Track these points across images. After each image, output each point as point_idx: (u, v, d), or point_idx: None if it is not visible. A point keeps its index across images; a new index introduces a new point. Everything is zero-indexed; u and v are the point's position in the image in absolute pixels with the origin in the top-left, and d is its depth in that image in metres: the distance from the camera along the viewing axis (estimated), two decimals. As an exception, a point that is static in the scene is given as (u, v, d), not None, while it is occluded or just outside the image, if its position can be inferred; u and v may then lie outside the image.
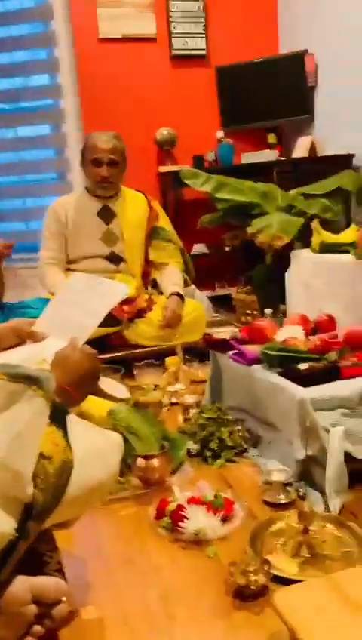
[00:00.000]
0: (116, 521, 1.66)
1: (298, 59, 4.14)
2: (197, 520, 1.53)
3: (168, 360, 2.80)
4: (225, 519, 1.57)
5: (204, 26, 4.35)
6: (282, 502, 1.68)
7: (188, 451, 1.98)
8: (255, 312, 3.42)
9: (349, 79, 3.77)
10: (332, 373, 1.77)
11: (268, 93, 4.28)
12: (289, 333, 2.04)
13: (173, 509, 1.58)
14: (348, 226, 3.25)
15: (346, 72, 3.80)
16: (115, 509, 1.71)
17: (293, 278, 2.83)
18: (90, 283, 1.54)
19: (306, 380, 1.75)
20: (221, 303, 3.97)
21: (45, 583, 1.12)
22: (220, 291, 4.42)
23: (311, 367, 1.78)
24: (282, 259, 3.10)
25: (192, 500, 1.61)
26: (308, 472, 1.73)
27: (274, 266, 3.18)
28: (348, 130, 3.85)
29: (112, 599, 1.33)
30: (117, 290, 1.53)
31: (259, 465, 1.90)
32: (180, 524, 1.53)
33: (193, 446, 2.00)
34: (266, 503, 1.69)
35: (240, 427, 2.05)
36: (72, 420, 1.15)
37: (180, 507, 1.57)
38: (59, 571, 1.22)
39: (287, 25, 4.44)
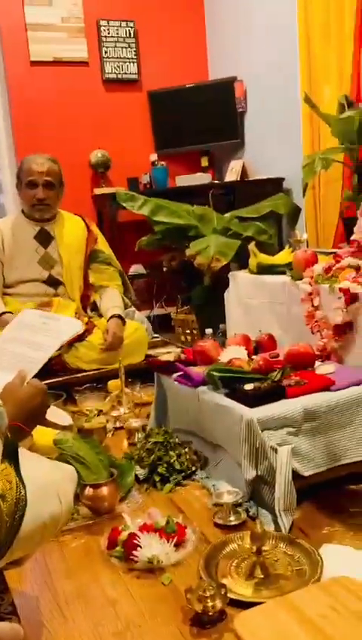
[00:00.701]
0: (67, 554, 1.62)
1: (227, 85, 4.28)
2: (151, 547, 1.52)
3: (110, 383, 2.77)
4: (178, 545, 1.56)
5: (136, 51, 4.41)
6: (233, 523, 1.69)
7: (136, 477, 1.97)
8: (194, 332, 3.46)
9: (276, 105, 3.92)
10: (277, 393, 1.81)
11: (200, 117, 4.39)
12: (233, 354, 2.07)
13: (125, 538, 1.56)
14: (280, 247, 3.37)
15: (273, 99, 3.95)
16: (65, 541, 1.67)
17: (232, 299, 2.89)
18: (42, 318, 1.52)
19: (252, 400, 1.78)
20: (160, 324, 4.00)
21: (1, 628, 1.07)
22: (158, 311, 4.44)
23: (256, 387, 1.81)
24: (220, 280, 3.16)
25: (144, 528, 1.59)
26: (257, 491, 1.75)
27: (212, 286, 3.24)
28: (277, 155, 3.99)
29: (68, 637, 1.29)
30: (69, 326, 1.51)
31: (207, 487, 1.91)
32: (134, 552, 1.51)
33: (141, 471, 1.99)
34: (217, 525, 1.70)
35: (187, 450, 2.05)
36: (23, 454, 1.12)
37: (133, 535, 1.55)
38: (13, 613, 1.17)
39: (216, 52, 4.58)
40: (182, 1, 4.53)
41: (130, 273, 4.10)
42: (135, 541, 1.53)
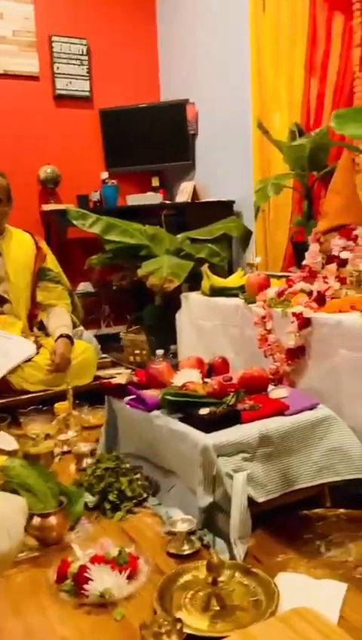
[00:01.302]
0: (12, 589, 1.53)
1: (179, 107, 4.31)
2: (103, 580, 1.45)
3: (57, 406, 2.68)
4: (130, 577, 1.50)
5: (88, 68, 4.39)
6: (186, 552, 1.65)
7: (86, 505, 1.90)
8: (144, 352, 3.42)
9: (228, 129, 3.98)
10: (232, 418, 1.79)
11: (151, 138, 4.40)
12: (187, 377, 2.04)
13: (75, 571, 1.49)
14: (230, 270, 3.39)
15: (225, 123, 4.00)
16: (11, 574, 1.58)
17: (184, 320, 2.87)
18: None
19: (208, 425, 1.75)
20: (107, 343, 3.92)
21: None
22: (106, 330, 4.37)
23: (211, 412, 1.79)
24: (171, 300, 3.14)
25: (95, 559, 1.53)
26: (212, 519, 1.71)
27: (163, 307, 3.22)
28: (227, 178, 4.04)
29: None
30: (22, 348, 1.44)
31: (160, 514, 1.86)
32: (85, 586, 1.44)
33: (90, 499, 1.92)
34: (170, 554, 1.65)
35: (138, 475, 2.00)
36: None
37: (83, 568, 1.48)
38: None
39: (169, 74, 4.62)
40: (135, 23, 4.56)
41: (78, 291, 4.02)
42: (86, 574, 1.46)
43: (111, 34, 4.46)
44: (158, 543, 1.71)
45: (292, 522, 1.81)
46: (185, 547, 1.66)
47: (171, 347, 3.09)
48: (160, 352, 2.95)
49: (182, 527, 1.68)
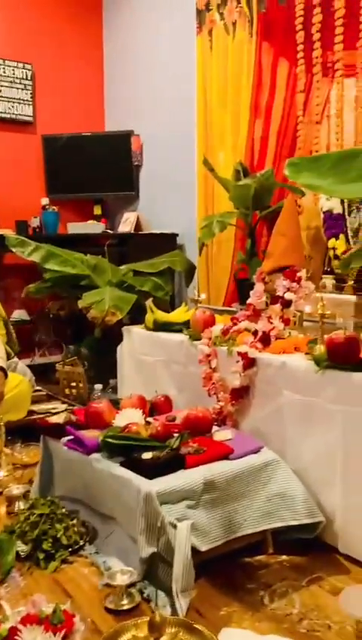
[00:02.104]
0: None
1: (124, 138, 4.30)
2: (35, 644, 1.34)
3: (-13, 442, 2.53)
4: (65, 637, 1.40)
5: (32, 93, 4.33)
6: (126, 607, 1.56)
7: (17, 554, 1.77)
8: (80, 385, 3.31)
9: (172, 163, 3.99)
10: (176, 463, 1.73)
11: (94, 166, 4.36)
12: (129, 418, 1.97)
13: (5, 634, 1.37)
14: (172, 304, 3.36)
15: (170, 157, 4.02)
16: None
17: (125, 354, 2.80)
18: None
19: (151, 471, 1.68)
20: (41, 373, 3.78)
21: None
22: (40, 360, 4.22)
23: (155, 456, 1.72)
24: (111, 333, 3.07)
25: (27, 619, 1.41)
26: (153, 570, 1.63)
27: (103, 339, 3.14)
28: (171, 211, 4.04)
29: None
30: None
31: (97, 564, 1.76)
32: (15, 652, 1.32)
33: (23, 548, 1.80)
34: (108, 610, 1.55)
35: (75, 521, 1.90)
36: None
37: (14, 630, 1.37)
38: None
39: (114, 104, 4.62)
40: (81, 51, 4.55)
41: (12, 318, 3.88)
42: (17, 637, 1.35)
43: (58, 60, 4.43)
44: (96, 597, 1.61)
45: (234, 571, 1.75)
46: (125, 601, 1.57)
47: (110, 381, 3.01)
48: (98, 386, 2.86)
49: (121, 579, 1.59)
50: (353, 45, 2.66)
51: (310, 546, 1.85)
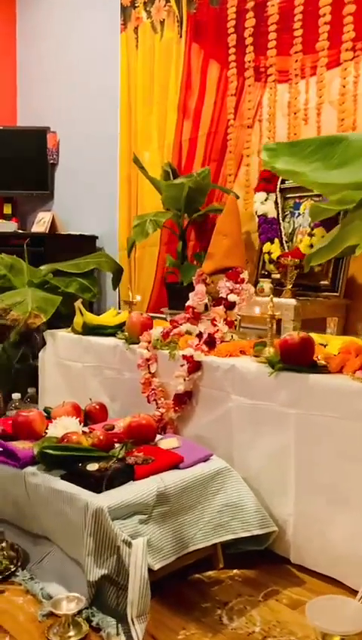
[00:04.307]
0: None
1: (40, 134, 4.07)
2: None
3: None
4: None
5: None
6: (73, 639, 1.38)
7: None
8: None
9: (92, 163, 3.83)
10: (125, 474, 1.58)
11: (5, 163, 4.08)
12: (65, 427, 1.79)
13: None
14: (91, 307, 3.19)
15: (89, 156, 3.85)
16: None
17: (48, 360, 2.60)
18: None
19: (99, 483, 1.52)
20: None
21: None
22: None
23: (102, 467, 1.56)
24: (30, 337, 2.85)
25: None
26: (102, 595, 1.47)
27: (20, 344, 2.90)
28: (89, 211, 3.86)
29: None
30: None
31: (34, 591, 1.57)
32: None
33: None
34: (53, 644, 1.37)
35: (4, 544, 1.69)
36: None
37: None
38: None
39: (28, 98, 4.37)
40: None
41: None
42: None
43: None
44: (36, 630, 1.43)
45: (186, 589, 1.63)
46: (71, 632, 1.40)
47: (29, 390, 2.77)
48: (16, 395, 2.62)
49: (68, 607, 1.41)
50: (286, 51, 2.67)
51: (260, 558, 1.77)
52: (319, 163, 1.16)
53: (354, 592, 1.52)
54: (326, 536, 1.66)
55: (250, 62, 2.83)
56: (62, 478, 1.60)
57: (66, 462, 1.62)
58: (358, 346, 1.75)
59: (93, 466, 1.57)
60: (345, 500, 1.61)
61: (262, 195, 2.53)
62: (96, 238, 3.73)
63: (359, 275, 2.39)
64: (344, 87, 2.46)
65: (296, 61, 2.63)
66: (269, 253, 2.45)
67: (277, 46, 2.71)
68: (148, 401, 2.09)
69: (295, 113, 2.66)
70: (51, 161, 4.14)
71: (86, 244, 3.67)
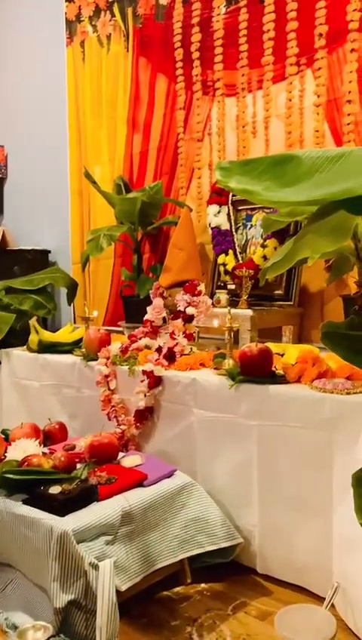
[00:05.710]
0: None
1: (-14, 148, 4.01)
2: None
3: None
4: None
5: None
6: (41, 670, 1.35)
7: None
8: None
9: (42, 177, 3.79)
10: (88, 495, 1.56)
11: None
12: (24, 449, 1.76)
13: None
14: (45, 324, 3.14)
15: (39, 170, 3.81)
16: None
17: (4, 380, 2.55)
18: None
19: (62, 506, 1.49)
20: None
21: None
22: None
23: (65, 489, 1.54)
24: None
25: None
26: (70, 620, 1.44)
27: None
28: (40, 226, 3.82)
29: None
30: None
31: (-2, 622, 1.52)
32: None
33: None
34: None
35: (-36, 574, 1.63)
36: None
37: None
38: None
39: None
40: None
41: None
42: None
43: None
44: (2, 663, 1.38)
45: (154, 608, 1.62)
46: (39, 663, 1.36)
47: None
48: (-29, 417, 2.55)
49: (35, 637, 1.38)
50: (233, 66, 2.71)
51: (227, 570, 1.77)
52: (270, 182, 1.17)
53: (320, 599, 1.53)
54: (291, 545, 1.68)
55: (197, 76, 2.87)
56: (24, 502, 1.56)
57: (28, 486, 1.58)
58: (315, 355, 1.78)
59: (55, 489, 1.54)
60: (308, 508, 1.63)
61: (214, 207, 2.56)
62: (49, 252, 3.68)
63: (311, 284, 2.44)
64: (290, 100, 2.51)
65: (243, 75, 2.68)
66: (224, 264, 2.48)
67: (223, 60, 2.75)
68: (109, 419, 2.07)
69: (243, 127, 2.71)
70: (0, 176, 4.08)
71: (38, 259, 3.62)
